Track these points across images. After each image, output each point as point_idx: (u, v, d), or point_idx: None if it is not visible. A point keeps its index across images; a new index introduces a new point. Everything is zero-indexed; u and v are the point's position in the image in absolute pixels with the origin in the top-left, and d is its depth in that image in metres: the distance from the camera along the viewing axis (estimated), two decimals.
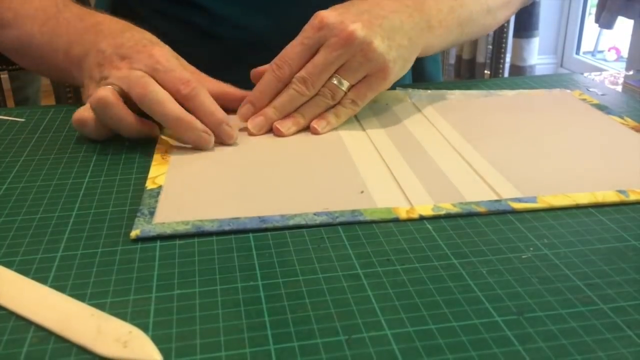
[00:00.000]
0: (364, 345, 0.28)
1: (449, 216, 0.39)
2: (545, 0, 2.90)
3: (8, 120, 0.57)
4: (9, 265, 0.35)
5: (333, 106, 0.53)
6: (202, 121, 0.48)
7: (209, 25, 0.68)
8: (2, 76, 0.97)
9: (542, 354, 0.28)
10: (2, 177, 0.46)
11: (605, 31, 2.79)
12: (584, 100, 0.60)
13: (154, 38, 0.53)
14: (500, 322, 0.30)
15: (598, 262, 0.34)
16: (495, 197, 0.41)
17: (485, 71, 2.57)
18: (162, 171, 0.45)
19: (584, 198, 0.41)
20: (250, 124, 0.52)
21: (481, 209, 0.40)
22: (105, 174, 0.46)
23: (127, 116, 0.48)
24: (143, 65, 0.49)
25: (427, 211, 0.39)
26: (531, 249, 0.36)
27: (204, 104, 0.49)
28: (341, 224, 0.38)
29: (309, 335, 0.29)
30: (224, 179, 0.44)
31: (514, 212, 0.40)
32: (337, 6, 0.53)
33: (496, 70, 1.11)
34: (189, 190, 0.42)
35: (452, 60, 2.77)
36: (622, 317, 0.30)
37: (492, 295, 0.32)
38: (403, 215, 0.39)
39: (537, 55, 2.58)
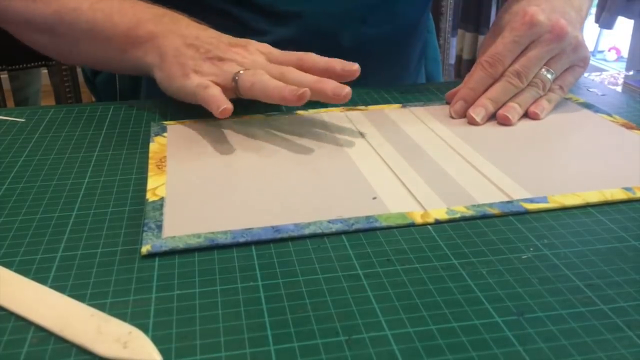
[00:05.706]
0: (364, 345, 0.28)
1: (464, 219, 0.39)
2: None
3: (8, 120, 0.57)
4: (9, 265, 0.35)
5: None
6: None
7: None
8: (2, 76, 0.97)
9: (543, 355, 0.28)
10: (2, 177, 0.46)
11: (605, 31, 2.79)
12: (569, 99, 0.61)
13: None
14: (500, 323, 0.30)
15: (598, 262, 0.34)
16: (505, 199, 0.41)
17: None
18: (161, 182, 0.44)
19: (593, 197, 0.41)
20: (472, 112, 0.55)
21: (495, 211, 0.39)
22: (105, 174, 0.46)
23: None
24: (259, 53, 0.54)
25: (442, 215, 0.39)
26: (531, 249, 0.36)
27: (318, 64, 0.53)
28: (357, 231, 0.38)
29: (309, 335, 0.29)
30: (226, 188, 0.43)
31: (527, 212, 0.40)
32: (532, 1, 0.58)
33: None
34: (193, 201, 0.41)
35: (452, 61, 2.76)
36: (622, 317, 0.30)
37: (492, 295, 0.32)
38: (418, 219, 0.38)
39: None
